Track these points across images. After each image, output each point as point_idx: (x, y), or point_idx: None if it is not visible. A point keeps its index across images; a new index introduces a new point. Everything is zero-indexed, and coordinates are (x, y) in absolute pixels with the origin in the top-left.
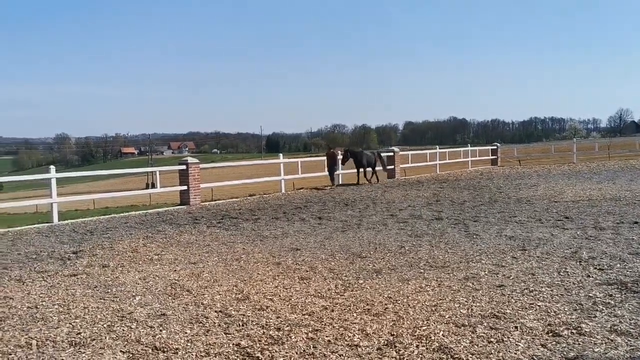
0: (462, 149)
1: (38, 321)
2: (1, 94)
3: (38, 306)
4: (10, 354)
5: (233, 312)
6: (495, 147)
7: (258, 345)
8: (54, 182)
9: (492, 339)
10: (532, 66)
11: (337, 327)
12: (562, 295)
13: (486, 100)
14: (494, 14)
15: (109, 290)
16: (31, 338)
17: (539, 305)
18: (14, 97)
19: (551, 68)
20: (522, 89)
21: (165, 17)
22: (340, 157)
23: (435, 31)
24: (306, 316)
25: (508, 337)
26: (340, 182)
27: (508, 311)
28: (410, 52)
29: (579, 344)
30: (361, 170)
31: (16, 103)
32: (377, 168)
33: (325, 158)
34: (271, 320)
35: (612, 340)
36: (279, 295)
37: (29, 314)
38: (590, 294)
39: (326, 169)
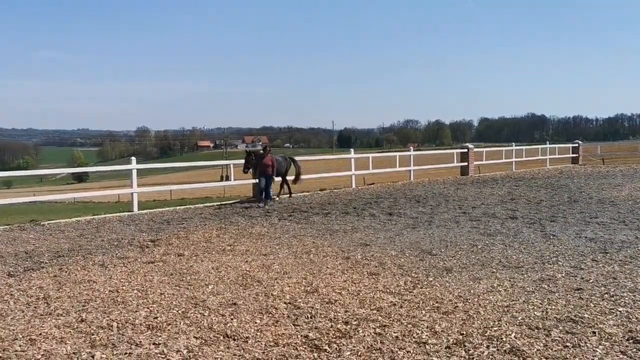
0: (540, 146)
1: (119, 304)
2: (89, 90)
3: (119, 290)
4: (93, 334)
5: (302, 304)
6: (577, 145)
7: (326, 337)
8: (134, 172)
9: (567, 344)
10: (619, 59)
11: (405, 323)
12: None
13: (567, 95)
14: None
15: (184, 278)
16: (112, 320)
17: (619, 311)
18: (100, 92)
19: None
20: (607, 84)
21: (240, 15)
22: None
23: (513, 27)
24: (374, 311)
25: (585, 343)
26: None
27: (586, 315)
28: (485, 47)
29: None
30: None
31: (102, 97)
32: (289, 177)
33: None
34: (339, 314)
35: None
36: (348, 290)
37: (111, 297)
38: None
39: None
